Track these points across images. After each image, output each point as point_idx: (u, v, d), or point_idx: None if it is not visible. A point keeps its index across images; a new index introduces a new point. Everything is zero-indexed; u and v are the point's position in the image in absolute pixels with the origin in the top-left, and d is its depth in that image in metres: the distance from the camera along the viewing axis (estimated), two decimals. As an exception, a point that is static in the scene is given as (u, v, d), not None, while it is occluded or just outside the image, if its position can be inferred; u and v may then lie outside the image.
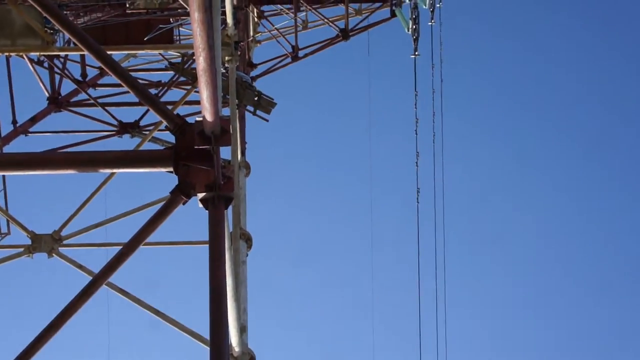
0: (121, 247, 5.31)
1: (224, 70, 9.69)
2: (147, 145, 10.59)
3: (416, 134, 14.04)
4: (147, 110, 12.39)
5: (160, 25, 10.52)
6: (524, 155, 24.08)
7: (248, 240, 8.57)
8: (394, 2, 14.22)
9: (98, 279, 5.03)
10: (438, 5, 14.86)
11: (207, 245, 5.05)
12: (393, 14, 14.13)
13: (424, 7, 14.25)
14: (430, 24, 14.43)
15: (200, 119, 4.80)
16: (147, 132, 11.67)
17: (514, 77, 24.92)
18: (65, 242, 8.97)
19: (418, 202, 14.00)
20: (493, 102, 25.05)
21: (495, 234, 24.19)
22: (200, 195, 5.06)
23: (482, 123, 24.68)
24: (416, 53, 14.20)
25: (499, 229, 24.24)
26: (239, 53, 10.30)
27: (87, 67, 13.13)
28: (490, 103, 25.15)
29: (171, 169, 5.07)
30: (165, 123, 5.21)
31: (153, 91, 13.09)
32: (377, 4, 14.49)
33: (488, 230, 24.19)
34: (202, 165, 5.00)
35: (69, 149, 11.86)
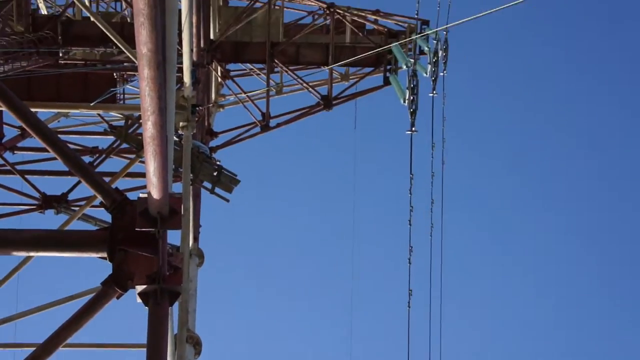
0: (34, 349, 5.26)
1: (177, 139, 9.88)
2: (76, 225, 10.59)
3: (410, 224, 14.22)
4: (78, 182, 12.47)
5: (111, 90, 10.71)
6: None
7: (197, 345, 8.48)
8: (388, 67, 14.62)
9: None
10: (442, 74, 15.35)
11: (145, 349, 5.02)
12: (387, 82, 14.51)
13: (425, 75, 14.69)
14: (431, 95, 14.86)
15: (145, 195, 4.89)
16: (76, 209, 11.69)
17: (525, 154, 25.78)
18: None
19: (410, 307, 14.03)
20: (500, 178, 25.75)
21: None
22: (140, 287, 5.07)
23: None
24: (413, 129, 14.53)
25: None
26: (196, 119, 10.54)
27: (4, 125, 13.27)
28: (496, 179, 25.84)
29: (105, 255, 5.11)
30: (100, 198, 5.29)
31: (87, 159, 13.22)
32: (368, 69, 14.85)
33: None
34: (143, 251, 5.05)
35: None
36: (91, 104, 10.05)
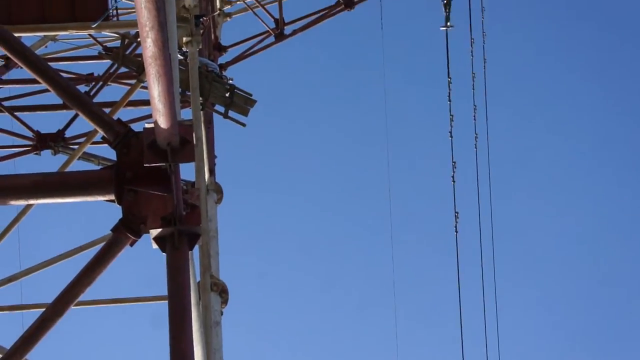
0: (44, 309, 5.31)
1: (182, 57, 9.75)
2: (77, 165, 10.62)
3: (451, 136, 14.10)
4: (76, 116, 12.44)
5: (107, 9, 10.55)
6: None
7: (223, 292, 8.56)
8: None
9: (12, 356, 5.02)
10: None
11: (166, 301, 5.04)
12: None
13: None
14: None
15: (151, 125, 4.81)
16: (76, 147, 11.70)
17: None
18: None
19: (457, 232, 14.03)
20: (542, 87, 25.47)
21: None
22: (155, 232, 5.04)
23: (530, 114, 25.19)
24: (448, 24, 14.23)
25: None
26: (201, 32, 10.37)
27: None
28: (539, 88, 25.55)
29: (112, 198, 5.07)
30: (101, 133, 5.23)
31: (83, 88, 13.14)
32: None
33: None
34: (155, 190, 5.00)
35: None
36: (80, 24, 9.92)
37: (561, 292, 24.95)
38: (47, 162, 12.61)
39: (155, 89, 4.43)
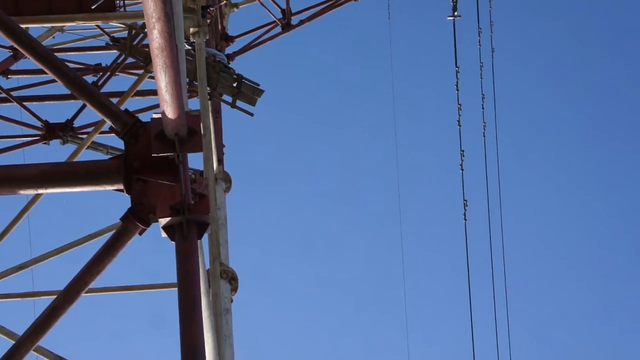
0: (54, 297, 5.35)
1: (189, 47, 9.76)
2: (86, 155, 10.67)
3: (459, 125, 14.08)
4: (84, 106, 12.48)
5: None
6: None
7: (232, 279, 8.59)
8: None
9: (23, 344, 5.06)
10: None
11: (176, 289, 5.08)
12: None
13: None
14: None
15: (159, 115, 4.83)
16: (84, 136, 11.74)
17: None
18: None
19: (465, 220, 14.05)
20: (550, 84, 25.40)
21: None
22: (164, 220, 5.06)
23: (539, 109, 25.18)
24: (456, 14, 14.18)
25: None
26: (208, 22, 10.38)
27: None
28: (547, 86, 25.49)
29: (121, 187, 5.10)
30: (109, 123, 5.26)
31: (90, 79, 13.17)
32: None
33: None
34: (163, 179, 5.02)
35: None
36: (87, 15, 9.94)
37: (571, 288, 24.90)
38: (56, 151, 12.66)
39: (162, 80, 4.45)
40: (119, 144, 5.30)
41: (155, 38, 4.20)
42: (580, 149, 25.82)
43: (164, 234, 5.15)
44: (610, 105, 25.77)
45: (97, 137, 11.06)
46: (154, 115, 5.00)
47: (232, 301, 8.64)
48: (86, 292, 5.29)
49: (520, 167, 24.47)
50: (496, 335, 14.45)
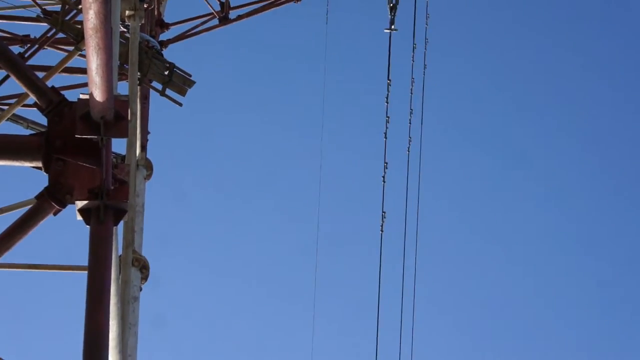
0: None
1: (123, 30, 9.63)
2: (5, 127, 10.41)
3: (385, 137, 14.22)
4: (7, 77, 12.15)
5: None
6: (515, 158, 25.63)
7: (143, 268, 8.51)
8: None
9: None
10: None
11: (85, 272, 5.01)
12: (363, -31, 14.27)
13: None
14: None
15: (86, 97, 4.77)
16: (5, 107, 11.46)
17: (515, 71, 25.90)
18: None
19: (382, 231, 14.19)
20: (484, 98, 25.96)
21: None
22: (80, 203, 5.00)
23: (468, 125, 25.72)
24: (392, 27, 14.33)
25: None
26: (145, 6, 10.26)
27: None
28: (481, 99, 26.04)
29: (39, 165, 5.02)
30: (33, 98, 5.15)
31: (17, 49, 12.84)
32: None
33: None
34: (84, 161, 4.96)
35: None
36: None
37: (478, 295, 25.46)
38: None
39: (93, 62, 4.39)
40: (40, 118, 5.20)
41: (91, 18, 4.15)
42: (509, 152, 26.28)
43: (79, 217, 5.08)
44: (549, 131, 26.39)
45: (18, 110, 10.79)
46: (81, 96, 4.93)
47: (141, 290, 8.57)
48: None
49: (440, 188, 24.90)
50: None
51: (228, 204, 24.99)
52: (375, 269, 14.53)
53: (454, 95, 25.26)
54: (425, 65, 15.70)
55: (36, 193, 5.10)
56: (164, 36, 13.90)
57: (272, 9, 14.23)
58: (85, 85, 4.76)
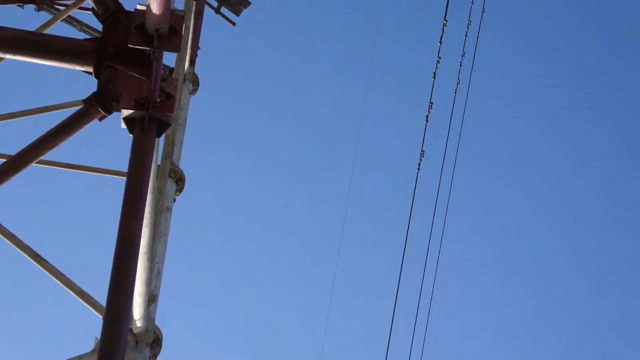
0: (4, 160, 5.35)
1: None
2: (59, 27, 10.47)
3: (426, 121, 13.91)
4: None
5: None
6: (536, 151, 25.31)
7: (179, 180, 8.60)
8: None
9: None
10: None
11: (124, 178, 5.11)
12: None
13: None
14: None
15: (143, 8, 4.81)
16: (61, 8, 11.50)
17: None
18: None
19: (408, 230, 13.92)
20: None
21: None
22: (126, 112, 5.07)
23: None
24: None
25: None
26: None
27: None
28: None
29: (90, 70, 5.09)
30: (90, 3, 5.20)
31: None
32: None
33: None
34: (134, 71, 5.02)
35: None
36: None
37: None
38: (29, 17, 12.37)
39: (154, -27, 4.42)
40: (93, 21, 5.25)
41: None
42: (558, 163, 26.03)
43: (123, 125, 5.17)
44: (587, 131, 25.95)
45: (74, 12, 10.86)
46: (138, 7, 4.98)
47: (174, 201, 8.70)
48: (35, 163, 5.32)
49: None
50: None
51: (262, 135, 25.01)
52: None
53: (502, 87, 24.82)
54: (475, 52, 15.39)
55: (81, 96, 5.18)
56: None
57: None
58: (141, -5, 4.80)
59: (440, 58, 14.56)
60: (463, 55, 14.76)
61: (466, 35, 14.90)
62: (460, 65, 14.87)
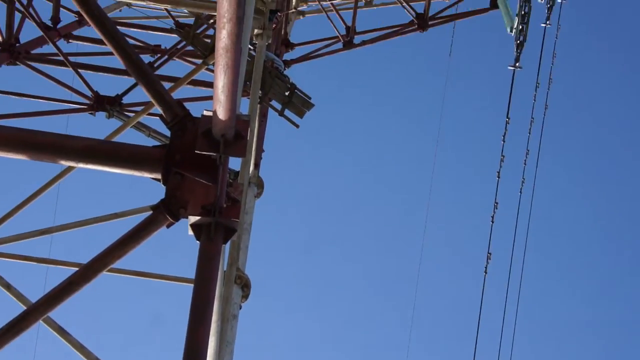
0: (69, 267, 5.33)
1: (251, 47, 9.76)
2: (128, 135, 10.69)
3: (498, 177, 13.93)
4: (135, 84, 12.53)
5: None
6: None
7: (245, 287, 8.53)
8: (498, -12, 14.13)
9: (33, 313, 5.06)
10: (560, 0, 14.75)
11: (191, 285, 5.04)
12: (494, 5, 14.05)
13: (539, 0, 14.18)
14: (544, 25, 14.32)
15: (210, 114, 4.81)
16: (130, 114, 11.79)
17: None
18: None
19: (486, 273, 13.85)
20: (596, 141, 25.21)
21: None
22: (193, 219, 5.05)
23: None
24: (517, 64, 14.08)
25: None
26: (273, 26, 10.38)
27: (60, 8, 13.22)
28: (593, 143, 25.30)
29: (158, 177, 5.09)
30: (159, 110, 5.24)
31: (147, 58, 13.21)
32: (474, -13, 14.40)
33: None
34: (201, 177, 5.00)
35: (16, 120, 11.95)
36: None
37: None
38: (99, 124, 12.71)
39: (220, 80, 4.43)
40: (160, 126, 5.28)
41: (223, 38, 4.18)
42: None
43: (190, 232, 5.12)
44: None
45: (143, 118, 11.09)
46: (205, 112, 4.98)
47: (240, 308, 8.60)
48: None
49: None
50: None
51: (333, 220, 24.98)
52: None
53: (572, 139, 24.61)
54: (546, 105, 15.34)
55: (144, 202, 5.17)
56: (288, 55, 14.07)
57: (397, 36, 14.20)
58: (206, 98, 4.82)
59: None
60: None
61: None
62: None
